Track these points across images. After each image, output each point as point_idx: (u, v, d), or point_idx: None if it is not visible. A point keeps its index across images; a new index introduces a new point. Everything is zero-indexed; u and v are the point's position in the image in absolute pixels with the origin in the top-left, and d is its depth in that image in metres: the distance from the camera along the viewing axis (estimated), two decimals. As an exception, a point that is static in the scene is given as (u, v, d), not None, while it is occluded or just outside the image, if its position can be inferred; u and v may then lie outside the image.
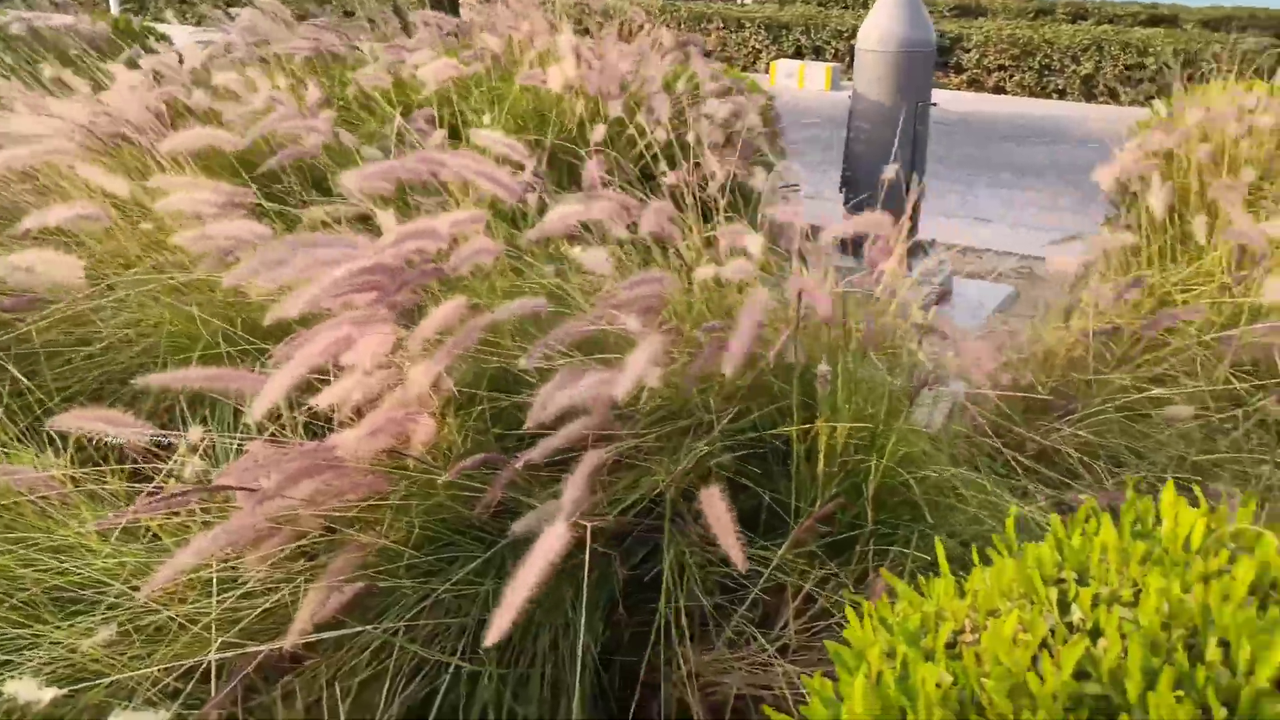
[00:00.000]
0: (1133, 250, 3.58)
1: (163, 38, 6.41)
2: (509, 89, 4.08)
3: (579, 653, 1.92)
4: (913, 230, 4.90)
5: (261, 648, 1.66)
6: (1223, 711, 0.87)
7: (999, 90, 12.84)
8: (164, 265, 2.58)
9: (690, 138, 3.22)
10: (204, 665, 1.66)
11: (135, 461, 1.90)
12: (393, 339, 1.77)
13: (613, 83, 3.79)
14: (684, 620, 1.97)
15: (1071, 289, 3.27)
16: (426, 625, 1.87)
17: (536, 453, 1.77)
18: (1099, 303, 2.69)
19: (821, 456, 1.84)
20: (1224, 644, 0.93)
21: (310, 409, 1.80)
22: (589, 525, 1.88)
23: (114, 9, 13.71)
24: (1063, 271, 2.82)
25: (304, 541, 1.80)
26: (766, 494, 1.97)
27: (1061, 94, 12.42)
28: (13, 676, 1.40)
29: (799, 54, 14.09)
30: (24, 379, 2.06)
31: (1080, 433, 2.51)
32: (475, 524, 1.96)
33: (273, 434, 2.00)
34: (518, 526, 1.80)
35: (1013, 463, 2.40)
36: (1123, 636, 0.96)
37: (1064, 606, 1.07)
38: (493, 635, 1.32)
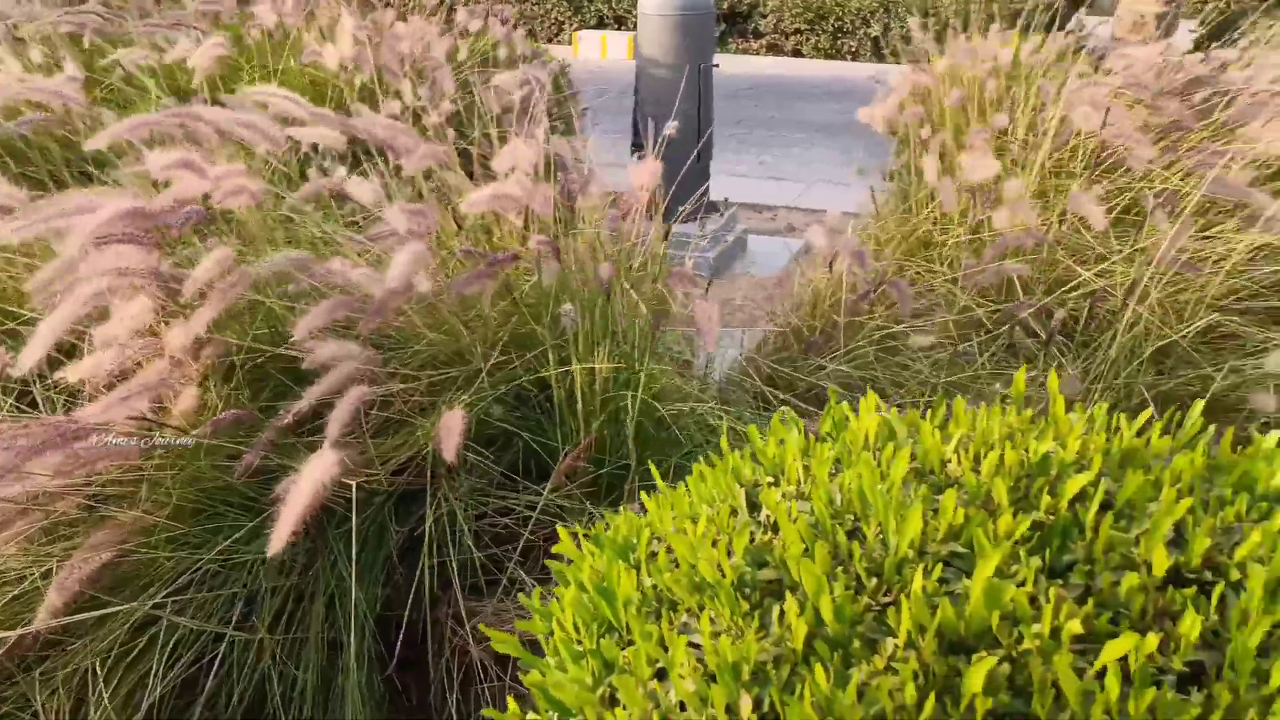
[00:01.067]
0: (901, 195, 3.77)
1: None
2: (285, 66, 3.99)
3: (353, 614, 1.93)
4: (705, 190, 5.03)
5: (9, 634, 1.62)
6: (873, 580, 0.96)
7: (797, 53, 13.19)
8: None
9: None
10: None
11: None
12: (151, 305, 1.74)
13: (393, 59, 3.75)
14: (457, 573, 2.00)
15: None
16: (195, 598, 1.85)
17: (303, 403, 1.77)
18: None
19: (579, 396, 1.90)
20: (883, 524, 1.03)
21: (61, 384, 1.76)
22: (354, 484, 1.90)
23: None
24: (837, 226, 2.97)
25: (58, 521, 1.76)
26: (524, 435, 2.02)
27: (854, 55, 12.85)
28: None
29: (601, 24, 14.15)
30: None
31: (843, 368, 2.65)
32: (242, 493, 1.95)
33: (23, 411, 1.94)
34: (282, 488, 1.80)
35: (779, 399, 2.52)
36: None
37: (757, 507, 1.15)
38: (273, 547, 1.36)
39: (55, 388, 1.86)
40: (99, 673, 1.72)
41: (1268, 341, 2.42)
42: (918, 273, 3.15)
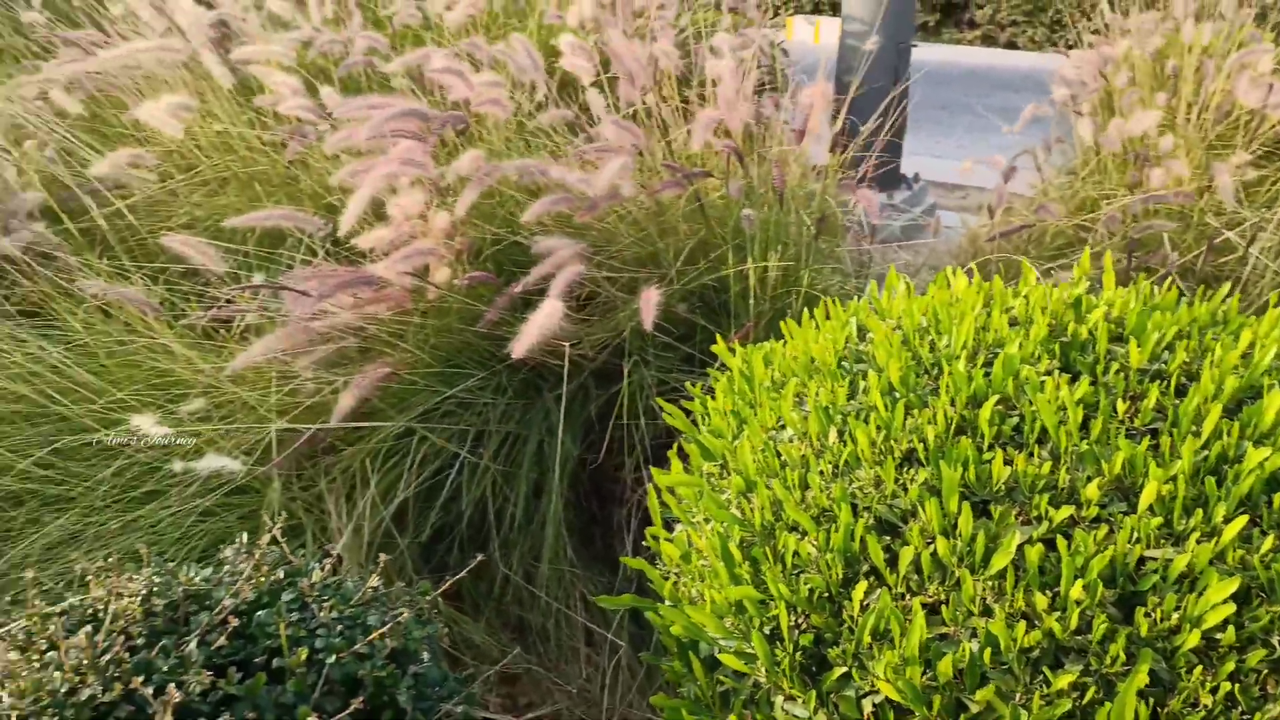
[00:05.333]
0: (1070, 169, 4.03)
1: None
2: (526, 25, 4.54)
3: (558, 454, 2.41)
4: (896, 163, 5.34)
5: (310, 427, 2.17)
6: (934, 368, 1.35)
7: (1011, 45, 13.14)
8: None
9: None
10: (266, 440, 2.17)
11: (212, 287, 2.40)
12: (422, 200, 2.26)
13: (627, 22, 4.24)
14: (640, 439, 2.44)
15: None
16: (438, 427, 2.36)
17: (531, 279, 2.24)
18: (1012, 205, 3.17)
19: (752, 292, 2.32)
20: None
21: (353, 249, 2.31)
22: (567, 348, 2.37)
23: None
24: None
25: (343, 355, 2.29)
26: (702, 324, 2.45)
27: (1072, 49, 12.72)
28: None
29: (817, 10, 14.42)
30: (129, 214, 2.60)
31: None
32: (479, 349, 2.45)
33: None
34: (512, 344, 2.29)
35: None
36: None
37: (865, 333, 1.55)
38: (518, 351, 1.85)
39: (350, 250, 2.40)
40: (367, 470, 2.25)
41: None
42: (1075, 232, 3.43)
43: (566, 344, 2.33)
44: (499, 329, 2.43)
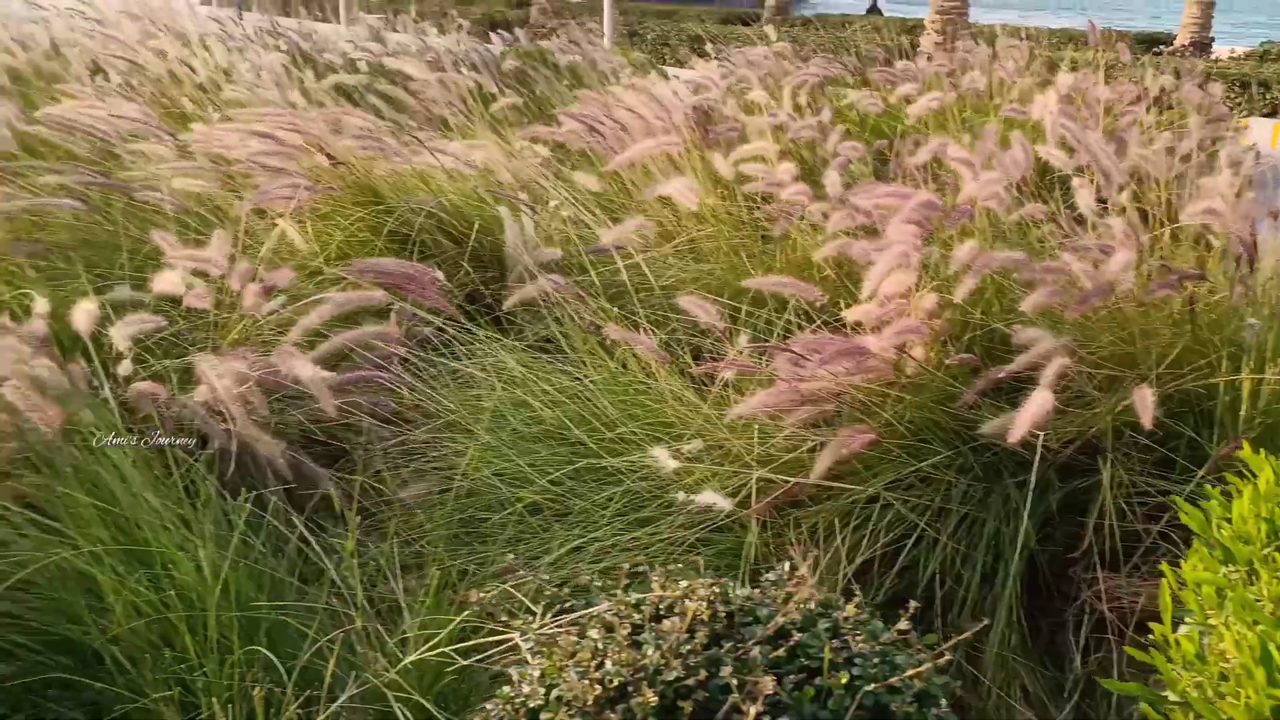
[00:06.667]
0: None
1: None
2: (984, 120, 4.62)
3: (1019, 541, 2.42)
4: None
5: (789, 479, 2.34)
6: None
7: None
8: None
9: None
10: (747, 485, 2.36)
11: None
12: (911, 278, 2.39)
13: (1093, 118, 4.22)
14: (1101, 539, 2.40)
15: None
16: (903, 497, 2.45)
17: (1015, 366, 2.30)
18: None
19: (1245, 400, 2.25)
20: None
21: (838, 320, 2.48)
22: (1040, 439, 2.39)
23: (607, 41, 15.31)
24: None
25: (821, 414, 2.45)
26: (1187, 432, 2.38)
27: None
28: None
29: (1275, 112, 13.36)
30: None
31: None
32: (947, 428, 2.52)
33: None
34: (987, 428, 2.35)
35: None
36: None
37: None
38: (1015, 435, 1.92)
39: (838, 321, 2.57)
40: (834, 527, 2.38)
41: None
42: None
43: (1039, 434, 2.35)
44: (968, 411, 2.50)
